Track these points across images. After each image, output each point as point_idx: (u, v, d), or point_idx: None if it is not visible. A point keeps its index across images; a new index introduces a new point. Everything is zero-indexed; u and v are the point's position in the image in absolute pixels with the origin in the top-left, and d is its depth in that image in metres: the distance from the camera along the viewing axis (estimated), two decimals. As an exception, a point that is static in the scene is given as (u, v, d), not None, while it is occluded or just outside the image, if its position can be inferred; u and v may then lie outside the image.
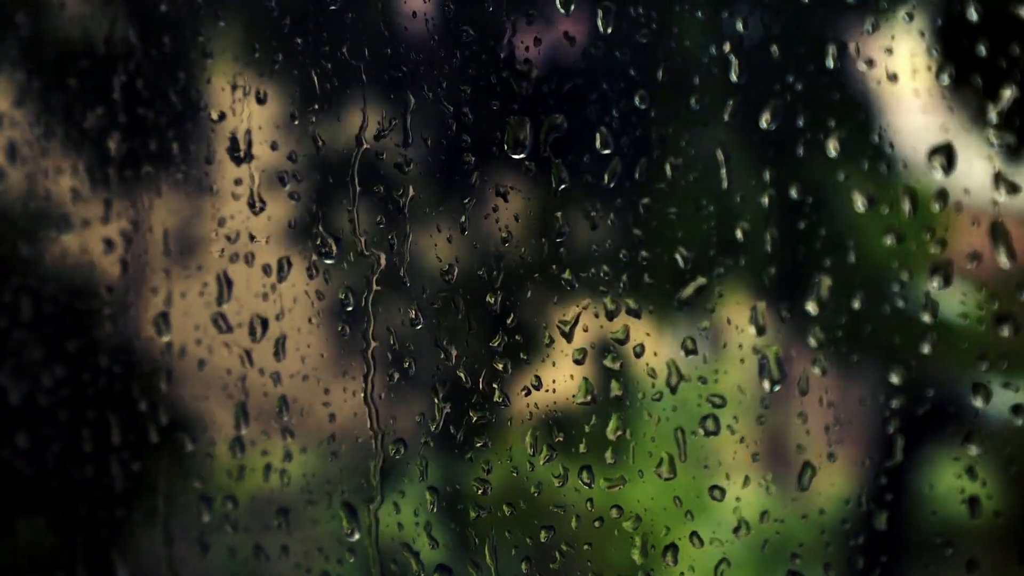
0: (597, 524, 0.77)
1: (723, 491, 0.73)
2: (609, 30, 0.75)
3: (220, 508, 0.95)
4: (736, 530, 0.73)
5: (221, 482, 0.96)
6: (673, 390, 0.74)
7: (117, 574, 1.04)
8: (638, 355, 0.75)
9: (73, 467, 1.04)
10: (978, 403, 0.67)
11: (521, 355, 0.79)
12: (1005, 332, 0.65)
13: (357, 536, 0.88)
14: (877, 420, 0.70)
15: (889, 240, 0.68)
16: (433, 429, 0.83)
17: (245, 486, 0.94)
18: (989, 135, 0.65)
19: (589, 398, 0.77)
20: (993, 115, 0.65)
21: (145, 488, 1.02)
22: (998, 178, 0.65)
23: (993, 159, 0.65)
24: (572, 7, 0.75)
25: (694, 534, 0.74)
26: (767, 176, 0.71)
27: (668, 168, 0.73)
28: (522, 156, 0.78)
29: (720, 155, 0.72)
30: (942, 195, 0.66)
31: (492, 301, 0.80)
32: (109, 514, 1.04)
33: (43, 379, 1.06)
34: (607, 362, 0.76)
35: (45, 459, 1.07)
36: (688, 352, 0.74)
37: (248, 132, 0.90)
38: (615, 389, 0.76)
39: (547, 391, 0.79)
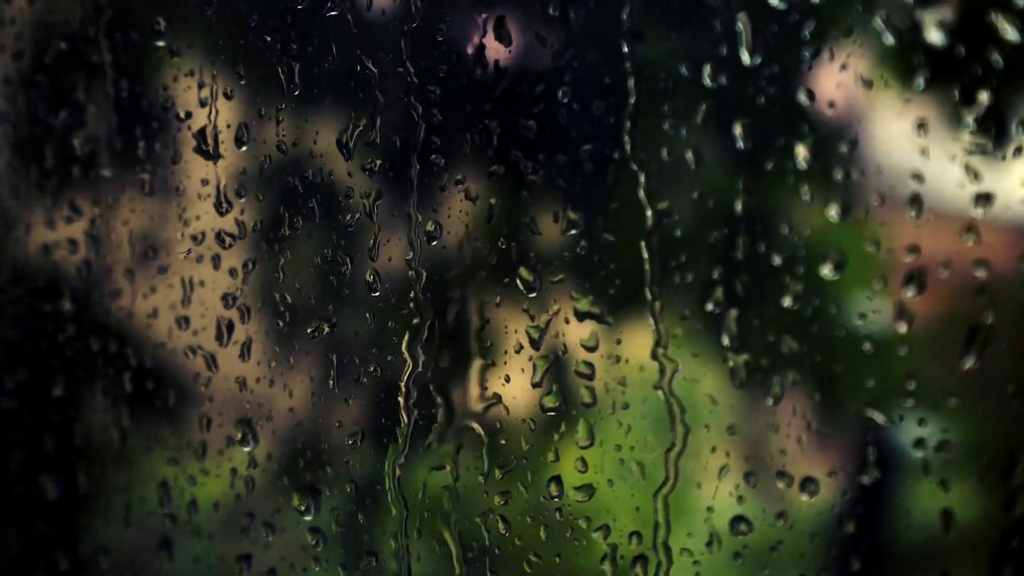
0: (567, 534, 0.76)
1: (695, 501, 0.72)
2: (581, 31, 0.74)
3: (184, 515, 0.94)
4: (708, 542, 0.72)
5: (185, 488, 0.94)
6: (643, 398, 0.73)
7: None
8: (608, 362, 0.74)
9: (34, 472, 1.03)
10: (953, 406, 0.67)
11: (490, 361, 0.78)
12: (979, 338, 0.65)
13: (322, 546, 0.87)
14: (851, 429, 0.69)
15: (865, 247, 0.67)
16: (401, 436, 0.82)
17: (210, 492, 0.93)
18: (964, 140, 0.64)
19: (558, 405, 0.76)
20: (969, 120, 0.64)
21: (108, 493, 1.00)
22: (972, 182, 0.64)
23: (969, 164, 0.64)
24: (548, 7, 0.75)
25: (665, 544, 0.73)
26: (739, 182, 0.70)
27: (639, 172, 0.72)
28: (492, 158, 0.77)
29: (692, 159, 0.71)
30: (916, 201, 0.65)
31: (461, 306, 0.79)
32: (71, 520, 1.02)
33: (5, 382, 1.04)
34: (577, 369, 0.75)
35: (6, 464, 1.05)
36: (659, 360, 0.73)
37: (215, 131, 0.89)
38: (585, 396, 0.75)
39: (516, 398, 0.78)
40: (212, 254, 0.90)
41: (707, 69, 0.69)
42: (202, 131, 0.90)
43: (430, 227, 0.80)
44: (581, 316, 0.75)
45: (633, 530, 0.74)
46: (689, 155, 0.71)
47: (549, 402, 0.76)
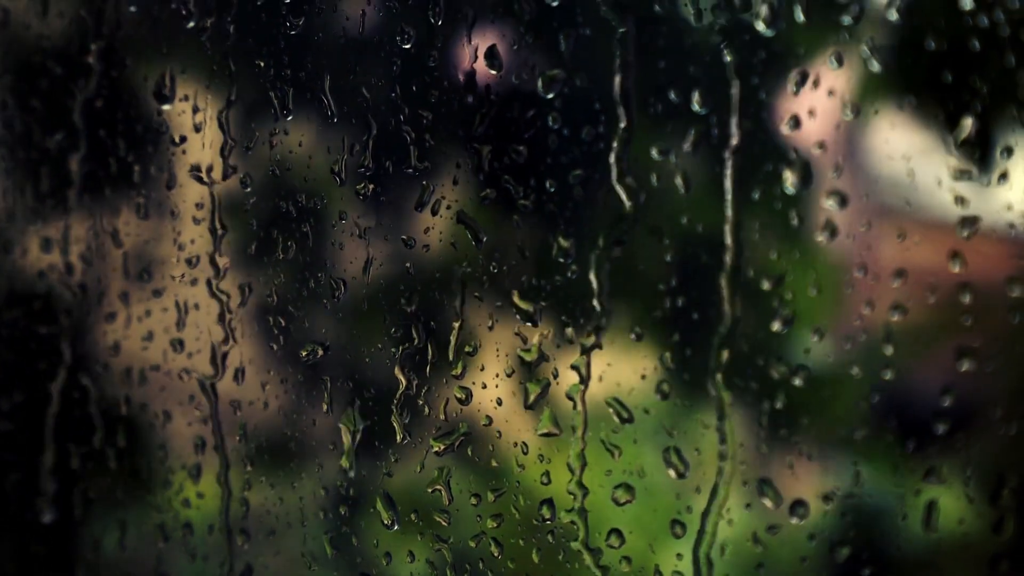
0: (559, 556, 0.77)
1: (684, 526, 0.72)
2: (570, 57, 0.74)
3: (178, 536, 0.94)
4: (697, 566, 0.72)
5: (180, 509, 0.94)
6: (634, 421, 0.74)
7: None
8: (599, 386, 0.75)
9: (29, 494, 1.03)
10: (940, 430, 0.67)
11: (482, 384, 0.78)
12: (965, 366, 0.65)
13: (317, 568, 0.87)
14: (840, 453, 0.70)
15: (852, 271, 0.67)
16: (394, 457, 0.82)
17: (204, 514, 0.93)
18: (950, 162, 0.65)
19: (551, 429, 0.76)
20: (953, 144, 0.64)
21: (102, 514, 1.00)
22: (958, 206, 0.64)
23: (954, 188, 0.65)
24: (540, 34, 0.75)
25: (656, 567, 0.74)
26: (727, 207, 0.70)
27: (630, 198, 0.73)
28: (483, 183, 0.77)
29: (681, 185, 0.71)
30: (902, 225, 0.66)
31: (453, 329, 0.79)
32: (66, 542, 1.02)
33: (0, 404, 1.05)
34: (568, 392, 0.76)
35: (1, 486, 1.05)
36: (649, 383, 0.73)
37: (209, 156, 0.90)
38: (576, 420, 0.75)
39: (508, 421, 0.78)
40: (206, 277, 0.91)
41: (696, 95, 0.70)
42: (196, 156, 0.90)
43: (422, 251, 0.80)
44: (571, 339, 0.75)
45: (625, 553, 0.74)
46: (678, 181, 0.71)
47: (541, 426, 0.76)
